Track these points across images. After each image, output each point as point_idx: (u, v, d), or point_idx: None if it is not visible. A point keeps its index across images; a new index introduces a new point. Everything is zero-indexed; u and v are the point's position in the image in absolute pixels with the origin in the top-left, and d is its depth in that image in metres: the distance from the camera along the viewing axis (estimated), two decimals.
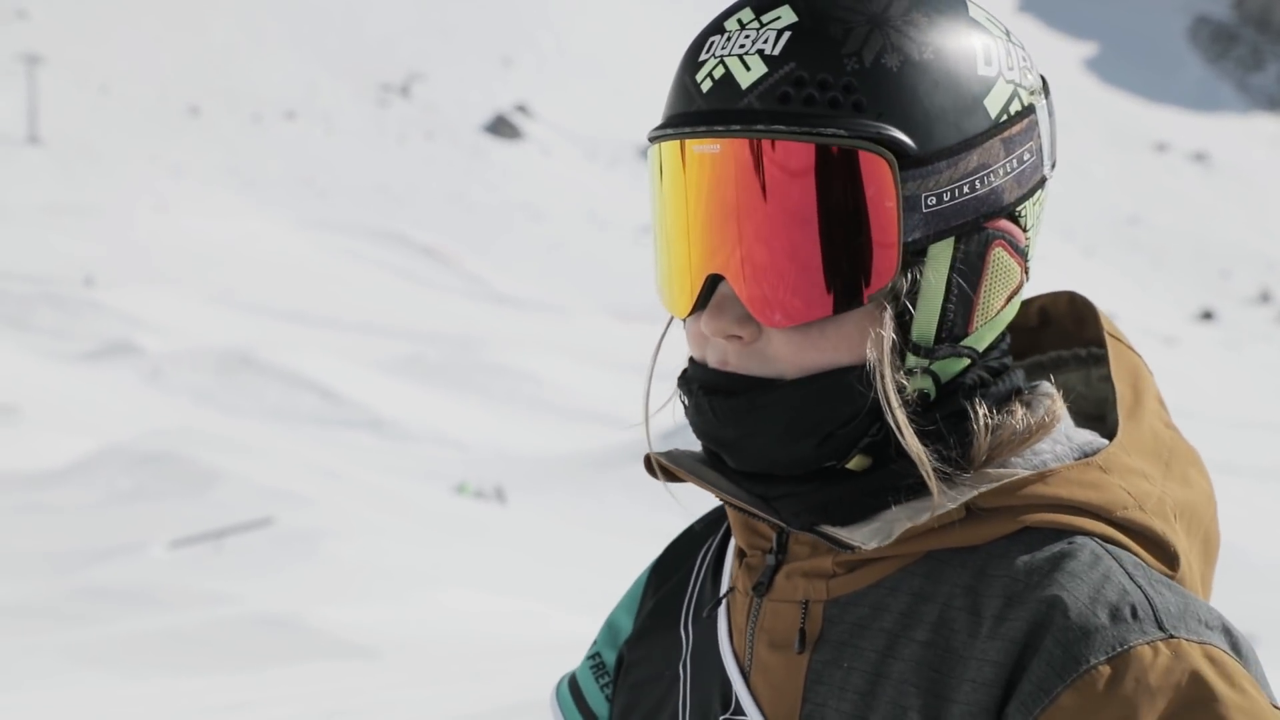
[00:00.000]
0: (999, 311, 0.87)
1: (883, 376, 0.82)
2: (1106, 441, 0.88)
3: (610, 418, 26.00)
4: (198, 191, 60.64)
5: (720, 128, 0.83)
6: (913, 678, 0.82)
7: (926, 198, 0.83)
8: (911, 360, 0.84)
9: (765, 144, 0.82)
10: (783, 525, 0.86)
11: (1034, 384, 0.91)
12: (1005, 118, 0.86)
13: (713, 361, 0.86)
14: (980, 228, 0.85)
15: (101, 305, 35.17)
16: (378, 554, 11.94)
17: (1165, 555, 0.86)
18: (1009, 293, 0.87)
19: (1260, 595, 16.91)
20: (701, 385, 0.86)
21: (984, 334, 0.87)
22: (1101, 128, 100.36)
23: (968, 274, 0.85)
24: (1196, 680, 0.78)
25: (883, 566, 0.85)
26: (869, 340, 0.83)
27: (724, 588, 0.94)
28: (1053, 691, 0.78)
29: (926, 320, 0.84)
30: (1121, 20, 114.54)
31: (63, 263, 43.69)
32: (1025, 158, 0.87)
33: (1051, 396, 0.89)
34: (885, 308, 0.83)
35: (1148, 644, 0.78)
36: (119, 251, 46.85)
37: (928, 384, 0.85)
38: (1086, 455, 0.87)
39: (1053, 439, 0.88)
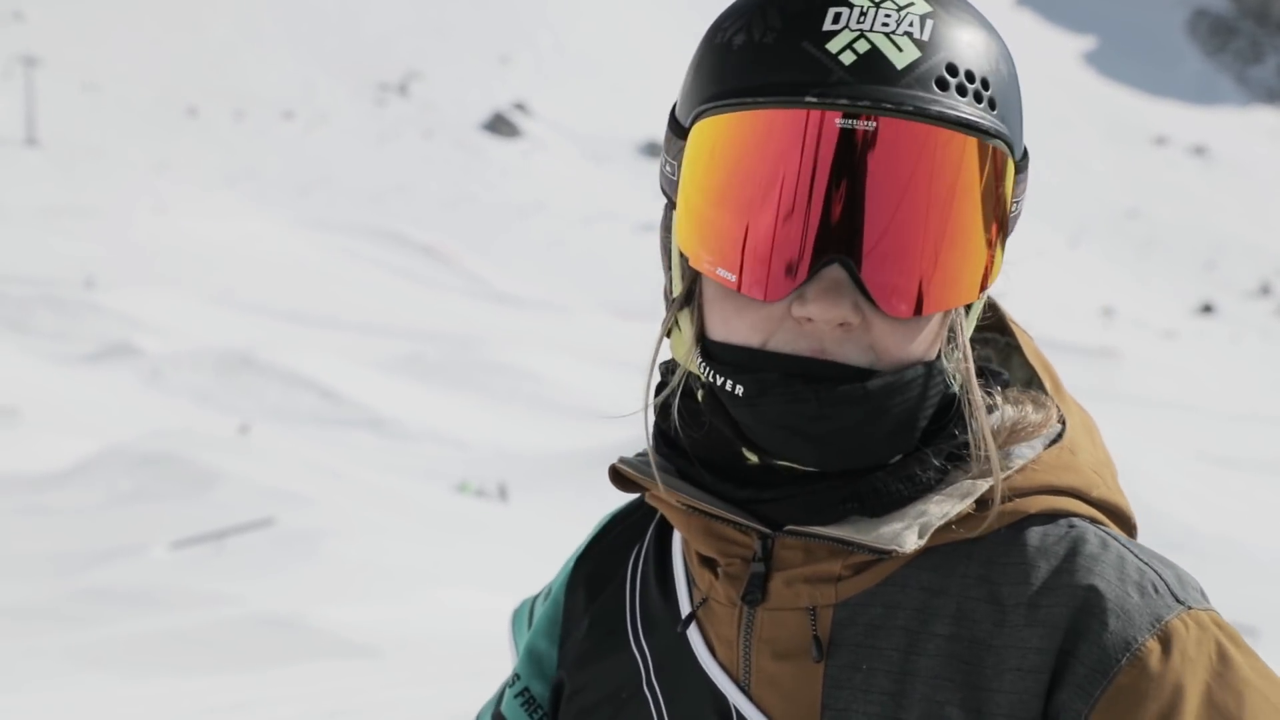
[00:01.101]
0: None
1: (969, 372, 0.84)
2: (1058, 425, 0.90)
3: (610, 416, 25.97)
4: (196, 192, 60.64)
5: (890, 105, 0.78)
6: (944, 671, 0.82)
7: (1014, 203, 0.85)
8: (970, 354, 0.87)
9: (927, 129, 0.79)
10: (767, 532, 0.85)
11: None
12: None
13: (803, 349, 0.81)
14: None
15: (101, 307, 35.17)
16: (379, 553, 11.94)
17: (1127, 527, 0.90)
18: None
19: (1261, 588, 16.91)
20: (798, 374, 0.80)
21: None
22: (1100, 121, 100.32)
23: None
24: (1219, 646, 0.82)
25: (888, 565, 0.85)
26: (944, 334, 0.84)
27: (682, 599, 0.90)
28: (1109, 673, 0.80)
29: (976, 310, 0.88)
30: (1120, 14, 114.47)
31: (62, 264, 43.69)
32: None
33: (1040, 393, 0.91)
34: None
35: (1177, 617, 0.82)
36: (118, 253, 46.86)
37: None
38: (1049, 439, 0.88)
39: None
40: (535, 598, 1.03)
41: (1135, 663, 0.80)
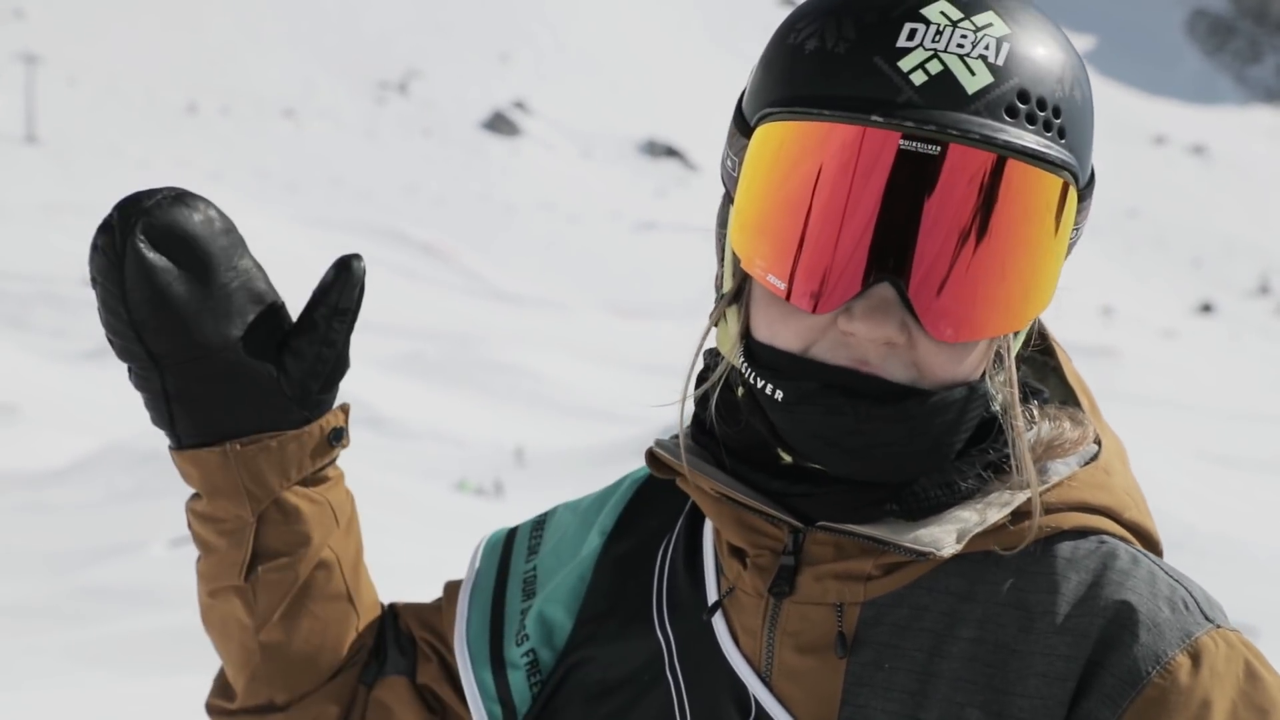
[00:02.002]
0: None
1: (1013, 396, 0.84)
2: (1094, 446, 0.91)
3: (610, 414, 26.01)
4: (195, 189, 60.48)
5: (955, 132, 0.78)
6: (967, 674, 0.82)
7: (1075, 231, 0.86)
8: (1015, 378, 0.87)
9: (991, 157, 0.79)
10: (799, 526, 0.85)
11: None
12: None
13: (843, 360, 0.81)
14: None
15: None
16: (379, 552, 11.89)
17: (1155, 551, 0.91)
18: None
19: (1261, 588, 16.92)
20: (837, 386, 0.81)
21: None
22: (1099, 121, 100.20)
23: None
24: (1248, 665, 0.83)
25: (919, 568, 0.85)
26: (990, 356, 0.84)
27: (709, 586, 0.91)
28: (1139, 684, 0.80)
29: (1022, 338, 0.89)
30: (1119, 13, 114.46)
31: (62, 262, 43.69)
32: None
33: (1076, 410, 0.92)
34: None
35: (1206, 634, 0.83)
36: None
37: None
38: (1084, 458, 0.90)
39: None
40: (516, 530, 1.04)
41: (1165, 676, 0.81)
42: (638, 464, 1.04)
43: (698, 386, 0.90)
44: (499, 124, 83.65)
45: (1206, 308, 73.19)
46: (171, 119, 76.81)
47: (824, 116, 0.80)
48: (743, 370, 0.86)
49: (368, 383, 29.52)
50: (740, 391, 0.87)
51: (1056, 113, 0.81)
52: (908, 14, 0.81)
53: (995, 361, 0.85)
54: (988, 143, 0.79)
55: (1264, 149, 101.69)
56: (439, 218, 64.28)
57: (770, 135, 0.83)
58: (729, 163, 0.87)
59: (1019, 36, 0.81)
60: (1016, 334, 0.86)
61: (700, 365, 0.91)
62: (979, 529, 0.83)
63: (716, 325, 0.89)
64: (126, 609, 9.77)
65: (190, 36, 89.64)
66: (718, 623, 0.89)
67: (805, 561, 0.86)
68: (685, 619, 0.91)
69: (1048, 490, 0.86)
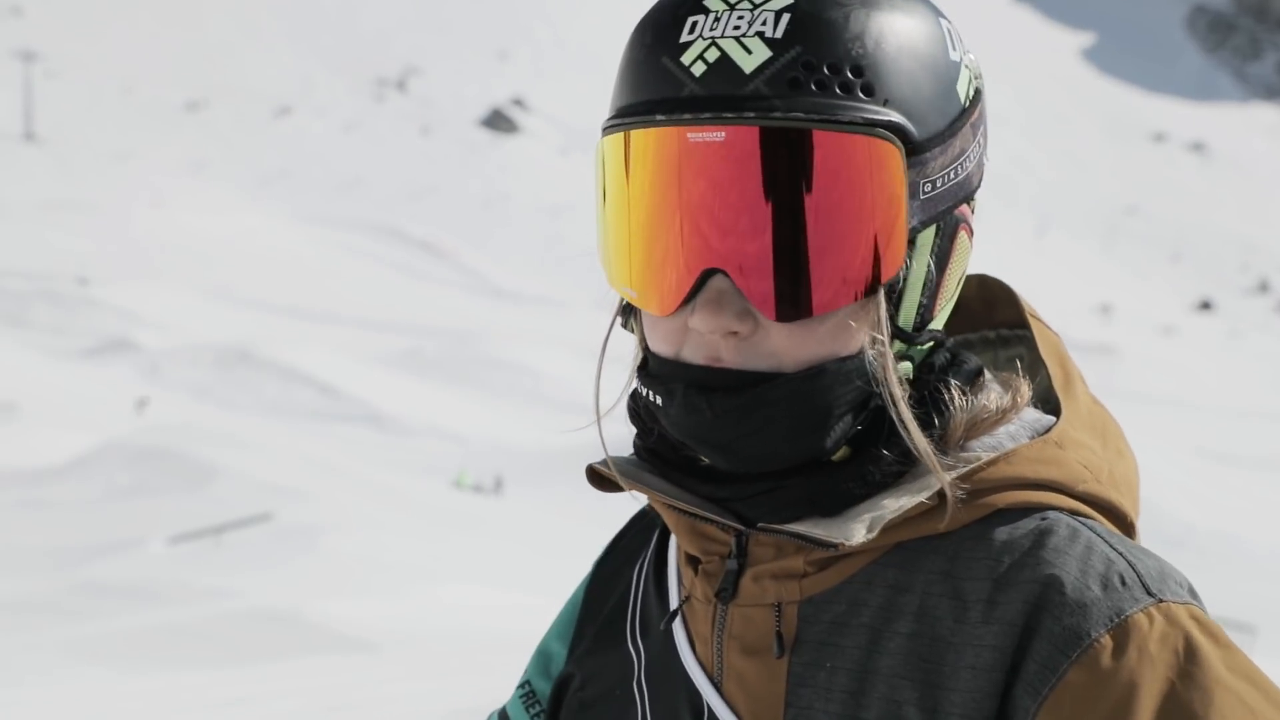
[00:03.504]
0: (954, 293, 0.87)
1: (886, 367, 0.81)
2: (1053, 419, 0.87)
3: (610, 411, 25.98)
4: (194, 187, 60.58)
5: (730, 114, 0.78)
6: (903, 670, 0.80)
7: (923, 185, 0.81)
8: (898, 347, 0.84)
9: (779, 132, 0.78)
10: (741, 529, 0.84)
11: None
12: (968, 102, 0.85)
13: (699, 358, 0.81)
14: (952, 213, 0.84)
15: (99, 302, 35.14)
16: (377, 548, 11.94)
17: (1122, 525, 0.86)
18: (963, 273, 0.87)
19: (1259, 584, 16.91)
20: (694, 384, 0.81)
21: (942, 316, 0.86)
22: (1099, 118, 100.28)
23: (940, 260, 0.84)
24: (1190, 642, 0.78)
25: (854, 561, 0.83)
26: (863, 330, 0.81)
27: (673, 597, 0.90)
28: (1059, 669, 0.77)
29: (909, 307, 0.83)
30: (1119, 10, 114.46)
31: (60, 259, 43.64)
32: (982, 141, 0.86)
33: (1014, 377, 0.88)
34: (879, 296, 0.81)
35: (1141, 611, 0.78)
36: (116, 248, 46.81)
37: (909, 369, 0.85)
38: (1038, 433, 0.86)
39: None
40: (503, 707, 1.05)
41: (1085, 659, 0.77)
42: None
43: (619, 399, 0.90)
44: (498, 121, 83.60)
45: (1205, 305, 73.19)
46: (170, 116, 76.73)
47: (624, 126, 0.82)
48: (635, 379, 0.87)
49: (366, 379, 29.53)
50: (641, 399, 0.87)
51: (857, 72, 0.79)
52: (691, 8, 0.81)
53: (875, 345, 0.82)
54: (763, 118, 0.78)
55: (1264, 146, 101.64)
56: (437, 215, 64.24)
57: (597, 152, 0.85)
58: None
59: (802, 5, 0.79)
60: (899, 304, 0.83)
61: (628, 377, 0.90)
62: (894, 515, 0.81)
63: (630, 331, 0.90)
64: (125, 605, 9.77)
65: (188, 34, 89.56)
66: (677, 631, 0.88)
67: (749, 564, 0.85)
68: (652, 632, 0.91)
69: (980, 468, 0.82)
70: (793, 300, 0.79)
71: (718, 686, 0.85)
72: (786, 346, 0.80)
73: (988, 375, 0.88)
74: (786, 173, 0.78)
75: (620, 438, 0.85)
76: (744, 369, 0.81)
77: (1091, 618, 0.78)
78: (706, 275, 0.80)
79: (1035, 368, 0.91)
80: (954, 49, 0.84)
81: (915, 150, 0.81)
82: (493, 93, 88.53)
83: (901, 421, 0.81)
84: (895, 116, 0.79)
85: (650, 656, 0.90)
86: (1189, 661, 0.77)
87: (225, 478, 14.85)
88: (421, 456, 22.96)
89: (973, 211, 0.86)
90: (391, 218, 60.31)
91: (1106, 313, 64.16)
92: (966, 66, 0.85)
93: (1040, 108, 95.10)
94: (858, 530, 0.81)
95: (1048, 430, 0.86)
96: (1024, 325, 0.93)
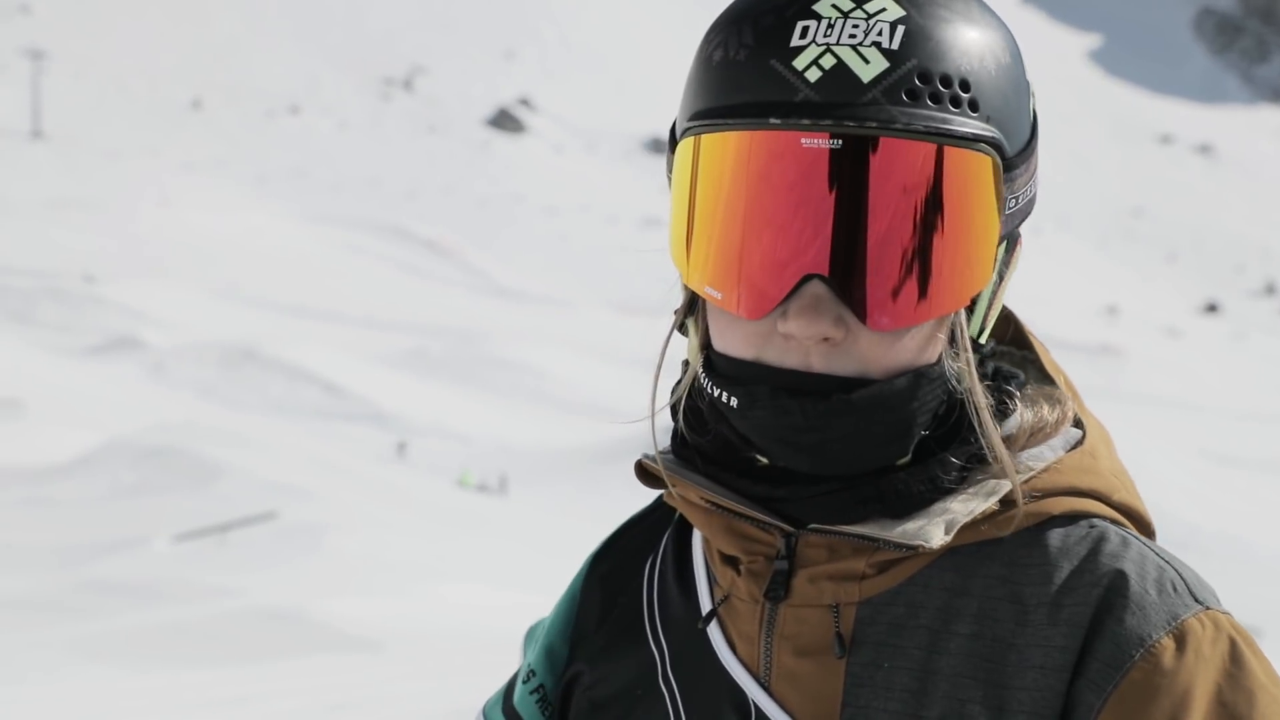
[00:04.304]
0: (1001, 303, 0.90)
1: (970, 375, 0.84)
2: (1078, 431, 0.91)
3: (612, 411, 26.01)
4: (200, 185, 60.66)
5: (852, 123, 0.79)
6: (966, 670, 0.83)
7: (1009, 200, 0.84)
8: (971, 357, 0.86)
9: (896, 143, 0.79)
10: (791, 530, 0.86)
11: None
12: (1035, 119, 0.88)
13: (790, 363, 0.82)
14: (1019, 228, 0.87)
15: (105, 300, 35.21)
16: (381, 547, 11.96)
17: (1146, 532, 0.91)
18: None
19: (1264, 587, 16.89)
20: (783, 387, 0.82)
21: (989, 326, 0.89)
22: (1106, 120, 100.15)
23: (1003, 273, 0.87)
24: (1234, 647, 0.83)
25: (912, 564, 0.85)
26: (942, 339, 0.84)
27: (702, 596, 0.91)
28: (1123, 667, 0.81)
29: (978, 318, 0.86)
30: (1126, 12, 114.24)
31: (66, 257, 43.73)
32: (1038, 159, 0.89)
33: (1056, 390, 0.92)
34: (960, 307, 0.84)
35: (1194, 616, 0.83)
36: (122, 246, 46.90)
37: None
38: (1069, 444, 0.90)
39: None
40: (503, 699, 1.05)
41: (1149, 659, 0.81)
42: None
43: (674, 393, 0.92)
44: (504, 121, 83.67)
45: (1211, 307, 73.08)
46: (176, 115, 76.86)
47: (729, 126, 0.82)
48: (702, 380, 0.87)
49: (371, 379, 29.56)
50: (705, 401, 0.88)
51: (965, 86, 0.81)
52: (800, 12, 0.81)
53: (951, 344, 0.85)
54: (884, 129, 0.79)
55: (1271, 148, 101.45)
56: (443, 214, 64.29)
57: (686, 149, 0.84)
58: (667, 178, 0.89)
59: (914, 17, 0.81)
60: (971, 314, 0.86)
61: (680, 375, 0.91)
62: (967, 519, 0.83)
63: (684, 333, 0.91)
64: (130, 603, 9.79)
65: (196, 32, 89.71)
66: (713, 631, 0.89)
67: (799, 564, 0.87)
68: (678, 629, 0.92)
69: (1034, 476, 0.86)
70: (891, 309, 0.81)
71: (765, 686, 0.87)
72: (875, 354, 0.82)
73: (1031, 388, 0.91)
74: (899, 183, 0.80)
75: (627, 439, 0.85)
76: (832, 374, 0.82)
77: (1151, 620, 0.82)
78: (805, 280, 0.81)
79: (1040, 383, 0.93)
80: (1024, 68, 0.87)
81: (1008, 166, 0.83)
82: (499, 92, 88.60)
83: (983, 427, 0.84)
84: (997, 132, 0.82)
85: (677, 653, 0.91)
86: (1234, 665, 0.82)
87: (230, 476, 14.87)
88: (426, 455, 22.98)
89: (1020, 236, 0.90)
90: (397, 217, 60.37)
91: (1112, 314, 64.09)
92: (1030, 86, 0.88)
93: (1047, 109, 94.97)
94: (935, 533, 0.83)
95: (1079, 442, 0.90)
96: (1021, 342, 0.95)
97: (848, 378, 0.82)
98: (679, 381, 0.91)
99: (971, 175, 0.81)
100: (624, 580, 0.97)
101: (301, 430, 22.13)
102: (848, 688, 0.85)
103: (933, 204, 0.80)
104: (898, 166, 0.80)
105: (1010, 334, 0.95)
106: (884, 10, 0.81)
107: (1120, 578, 0.83)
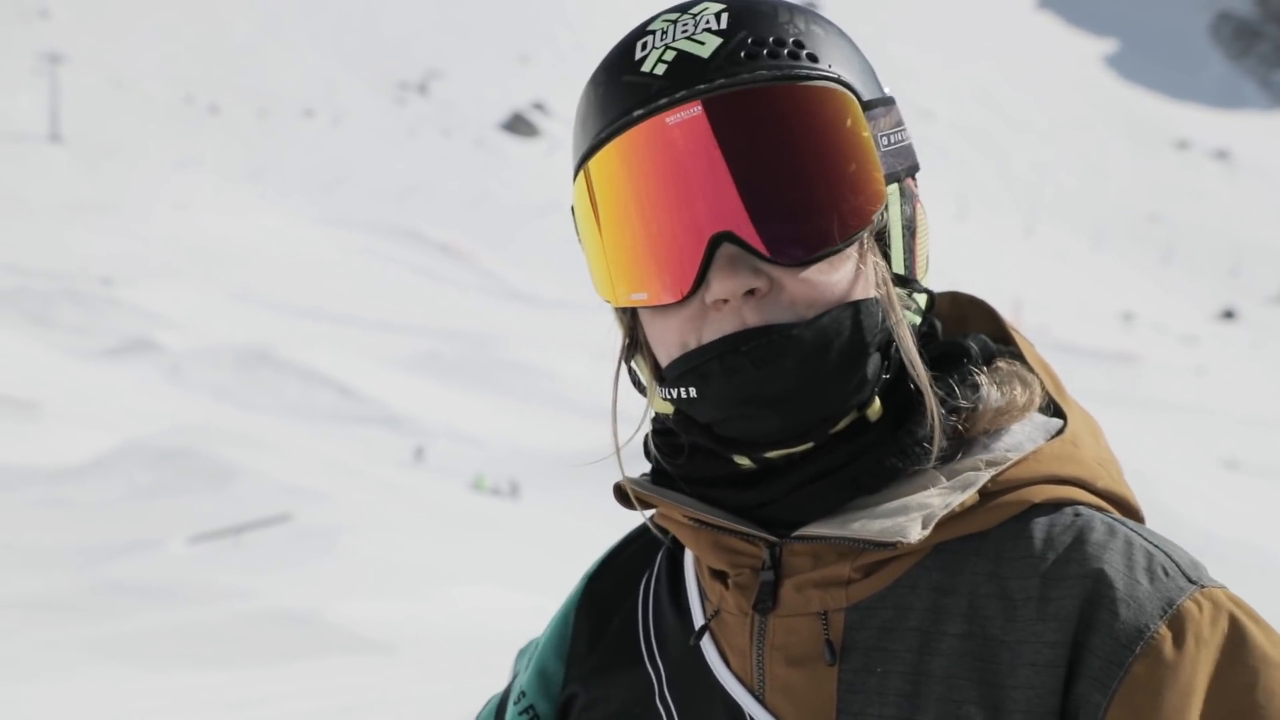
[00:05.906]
0: (928, 264, 0.92)
1: (890, 298, 0.86)
2: (1059, 421, 0.91)
3: (627, 415, 26.00)
4: (217, 188, 60.92)
5: (704, 86, 0.84)
6: (959, 671, 0.82)
7: (880, 137, 0.87)
8: (899, 290, 0.88)
9: (750, 94, 0.83)
10: (774, 540, 0.86)
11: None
12: (889, 95, 0.93)
13: (728, 328, 0.85)
14: (905, 179, 0.89)
15: (121, 302, 35.38)
16: (394, 550, 11.98)
17: (1135, 518, 0.90)
18: (928, 254, 0.92)
19: None
20: (727, 350, 0.84)
21: (923, 280, 0.91)
22: (1122, 125, 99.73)
23: (909, 223, 0.89)
24: (1234, 622, 0.82)
25: (898, 566, 0.85)
26: (869, 279, 0.86)
27: (694, 613, 0.92)
28: (1124, 663, 0.80)
29: (896, 255, 0.89)
30: (1142, 17, 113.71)
31: (83, 260, 43.96)
32: (907, 134, 0.93)
33: (1026, 373, 0.92)
34: (871, 242, 0.87)
35: (1189, 598, 0.82)
36: (139, 248, 47.12)
37: (913, 319, 0.89)
38: (1049, 433, 0.89)
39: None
40: (539, 638, 1.06)
41: (1149, 651, 0.80)
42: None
43: (635, 431, 0.95)
44: (518, 125, 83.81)
45: (1228, 314, 72.68)
46: (194, 119, 77.20)
47: (604, 141, 0.87)
48: (661, 395, 0.89)
49: (386, 382, 29.64)
50: (672, 419, 0.89)
51: (799, 45, 0.86)
52: (636, 35, 0.89)
53: (880, 289, 0.87)
54: (734, 82, 0.84)
55: None
56: (457, 218, 64.42)
57: (582, 186, 0.89)
58: (577, 237, 0.93)
59: (735, 5, 0.87)
60: (888, 256, 0.88)
61: (646, 420, 0.94)
62: (944, 512, 0.83)
63: (645, 393, 0.93)
64: (145, 604, 9.83)
65: (213, 36, 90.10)
66: (707, 646, 0.90)
67: (785, 574, 0.87)
68: (673, 648, 0.92)
69: (1013, 465, 0.85)
70: (796, 239, 0.83)
71: (759, 698, 0.87)
72: (803, 293, 0.84)
73: (1004, 368, 0.91)
74: (765, 129, 0.84)
75: (640, 440, 0.85)
76: (769, 323, 0.84)
77: (1147, 611, 0.81)
78: (714, 244, 0.84)
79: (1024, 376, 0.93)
80: (862, 54, 0.92)
81: (866, 106, 0.87)
82: (513, 96, 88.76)
83: (907, 354, 0.86)
84: (842, 74, 0.87)
85: (673, 672, 0.92)
86: (1236, 642, 0.81)
87: (245, 478, 14.92)
88: (439, 459, 23.02)
89: (918, 195, 0.92)
90: (411, 220, 60.49)
91: (1128, 321, 63.77)
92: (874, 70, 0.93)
93: (1063, 114, 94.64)
94: (912, 528, 0.83)
95: (1060, 431, 0.90)
96: (1003, 338, 0.96)
97: (784, 324, 0.84)
98: (643, 419, 0.94)
99: (830, 107, 0.85)
100: (619, 600, 0.98)
101: (316, 433, 22.19)
102: (841, 695, 0.84)
103: (804, 138, 0.84)
104: (757, 115, 0.83)
105: (994, 330, 0.96)
106: (706, 7, 0.88)
107: (1108, 566, 0.82)
